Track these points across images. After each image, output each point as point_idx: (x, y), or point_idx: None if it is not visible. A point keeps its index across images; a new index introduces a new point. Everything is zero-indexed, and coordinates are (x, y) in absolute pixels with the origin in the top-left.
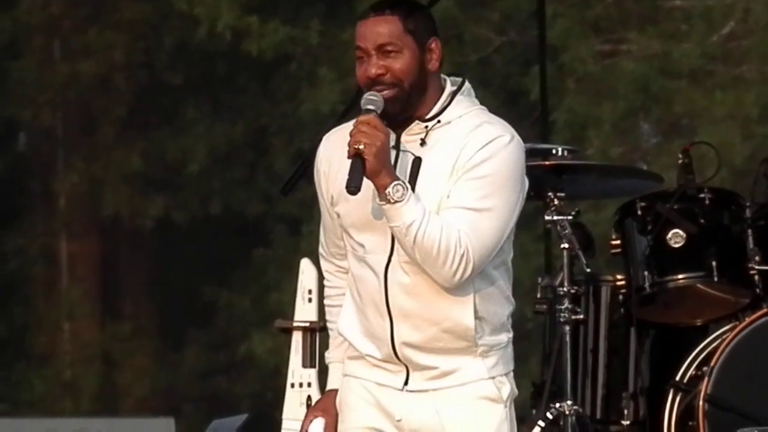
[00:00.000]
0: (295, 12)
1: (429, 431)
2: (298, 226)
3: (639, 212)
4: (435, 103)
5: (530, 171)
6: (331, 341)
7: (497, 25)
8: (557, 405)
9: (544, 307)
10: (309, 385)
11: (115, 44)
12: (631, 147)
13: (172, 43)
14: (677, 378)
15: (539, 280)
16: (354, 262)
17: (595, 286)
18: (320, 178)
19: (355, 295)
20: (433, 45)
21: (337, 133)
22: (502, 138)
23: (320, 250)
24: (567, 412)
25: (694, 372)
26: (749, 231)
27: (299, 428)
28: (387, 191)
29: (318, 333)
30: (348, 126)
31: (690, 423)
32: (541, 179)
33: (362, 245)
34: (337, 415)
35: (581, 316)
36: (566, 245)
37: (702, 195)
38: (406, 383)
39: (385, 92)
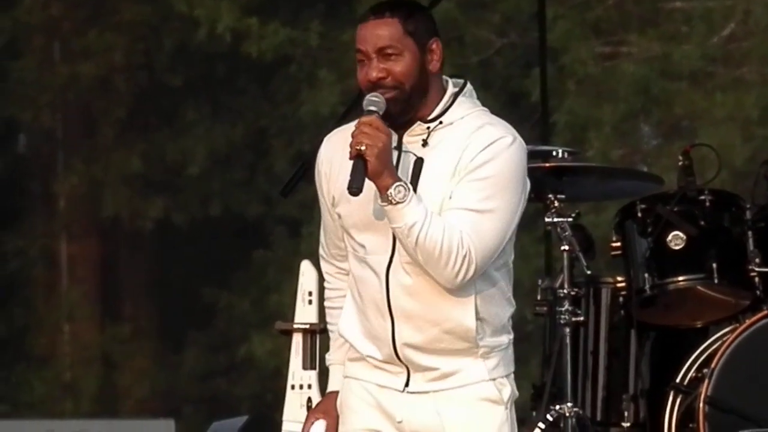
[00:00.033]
0: (295, 13)
1: None
2: (298, 228)
3: (639, 214)
4: (437, 104)
5: (530, 173)
6: (331, 343)
7: (498, 27)
8: (557, 407)
9: (545, 309)
10: (309, 387)
11: (115, 46)
12: (632, 149)
13: (172, 44)
14: (677, 380)
15: (539, 281)
16: (355, 263)
17: (596, 288)
18: (321, 179)
19: (356, 296)
20: (433, 46)
21: (338, 135)
22: (504, 139)
23: (320, 251)
24: (567, 414)
25: (694, 374)
26: (749, 233)
27: (300, 430)
28: (389, 192)
29: (318, 335)
30: (349, 127)
31: (690, 425)
32: (542, 181)
33: (363, 246)
34: (337, 417)
35: (581, 318)
36: (566, 247)
37: (702, 197)
38: (407, 385)
39: (387, 94)
